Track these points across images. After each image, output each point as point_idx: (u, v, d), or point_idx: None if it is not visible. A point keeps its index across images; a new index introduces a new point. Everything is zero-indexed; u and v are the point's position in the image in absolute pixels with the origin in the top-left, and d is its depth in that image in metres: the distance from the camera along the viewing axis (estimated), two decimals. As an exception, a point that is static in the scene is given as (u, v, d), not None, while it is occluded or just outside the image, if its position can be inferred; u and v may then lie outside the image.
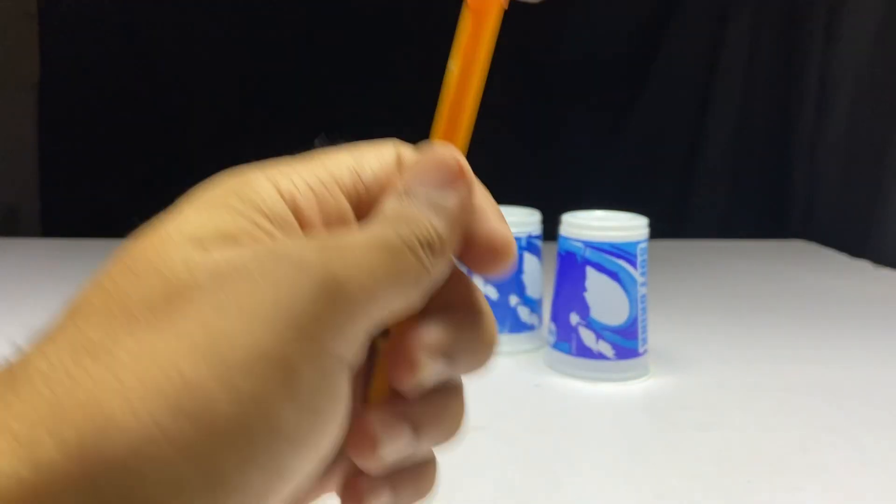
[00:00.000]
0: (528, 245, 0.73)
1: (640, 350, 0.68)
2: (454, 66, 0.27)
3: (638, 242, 0.68)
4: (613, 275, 0.66)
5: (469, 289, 0.27)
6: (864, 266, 1.16)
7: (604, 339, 0.67)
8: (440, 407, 0.27)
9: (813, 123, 1.36)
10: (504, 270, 0.26)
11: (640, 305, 0.68)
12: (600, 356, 0.67)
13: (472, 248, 0.26)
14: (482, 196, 0.27)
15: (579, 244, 0.67)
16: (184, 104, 1.34)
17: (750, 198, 1.43)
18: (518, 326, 0.73)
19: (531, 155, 1.38)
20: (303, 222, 0.24)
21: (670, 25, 1.39)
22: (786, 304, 0.97)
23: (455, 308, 0.26)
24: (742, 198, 1.43)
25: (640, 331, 0.68)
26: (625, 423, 0.60)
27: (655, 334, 0.82)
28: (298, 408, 0.20)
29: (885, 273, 1.12)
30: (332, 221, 0.25)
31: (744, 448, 0.56)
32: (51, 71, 1.34)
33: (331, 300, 0.20)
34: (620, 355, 0.67)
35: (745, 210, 1.43)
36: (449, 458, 0.52)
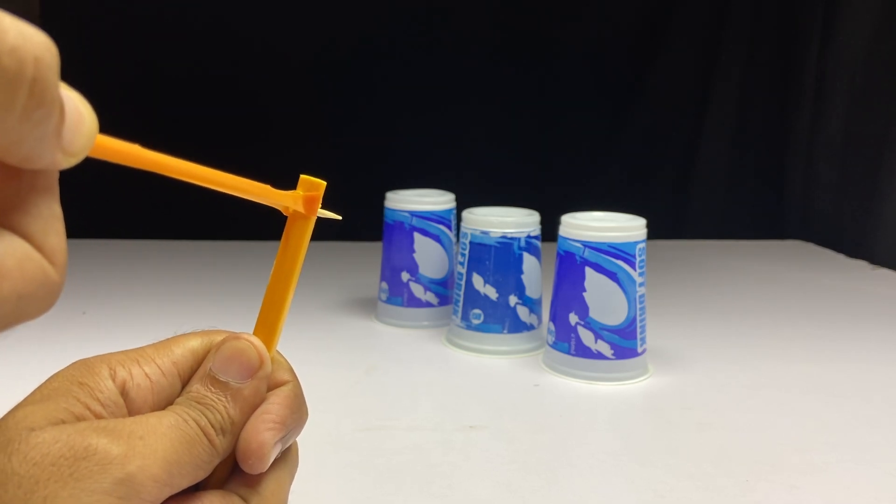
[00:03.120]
0: (528, 245, 0.74)
1: (639, 350, 0.69)
2: (275, 271, 0.31)
3: (636, 243, 0.68)
4: (612, 275, 0.67)
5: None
6: (860, 266, 1.17)
7: (602, 338, 0.67)
8: None
9: (810, 124, 1.36)
10: (252, 472, 0.30)
11: (638, 305, 0.68)
12: (599, 356, 0.67)
13: (236, 450, 0.30)
14: (276, 398, 0.31)
15: (578, 244, 0.67)
16: (185, 106, 1.34)
17: (748, 198, 1.44)
18: (517, 326, 0.74)
19: (531, 156, 1.39)
20: (130, 406, 0.29)
21: (669, 26, 1.39)
22: (783, 304, 0.97)
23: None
24: (740, 198, 1.44)
25: (638, 331, 0.69)
26: (624, 423, 0.60)
27: (654, 334, 0.83)
28: None
29: (882, 273, 1.12)
30: (161, 402, 0.30)
31: (742, 447, 0.56)
32: None
33: (124, 494, 0.25)
34: (619, 355, 0.68)
35: (743, 210, 1.44)
36: (449, 457, 0.53)
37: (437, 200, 0.83)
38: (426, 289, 0.82)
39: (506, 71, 1.37)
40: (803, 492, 0.50)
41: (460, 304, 0.76)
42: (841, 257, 1.22)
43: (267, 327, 0.32)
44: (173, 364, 0.31)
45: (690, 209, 1.43)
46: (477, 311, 0.74)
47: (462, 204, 0.82)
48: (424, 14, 1.35)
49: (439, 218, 0.82)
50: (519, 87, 1.38)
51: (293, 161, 1.37)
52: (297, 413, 0.31)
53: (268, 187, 0.30)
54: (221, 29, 1.34)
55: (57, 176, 0.23)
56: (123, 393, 0.29)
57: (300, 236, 0.31)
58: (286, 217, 0.32)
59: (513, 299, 0.73)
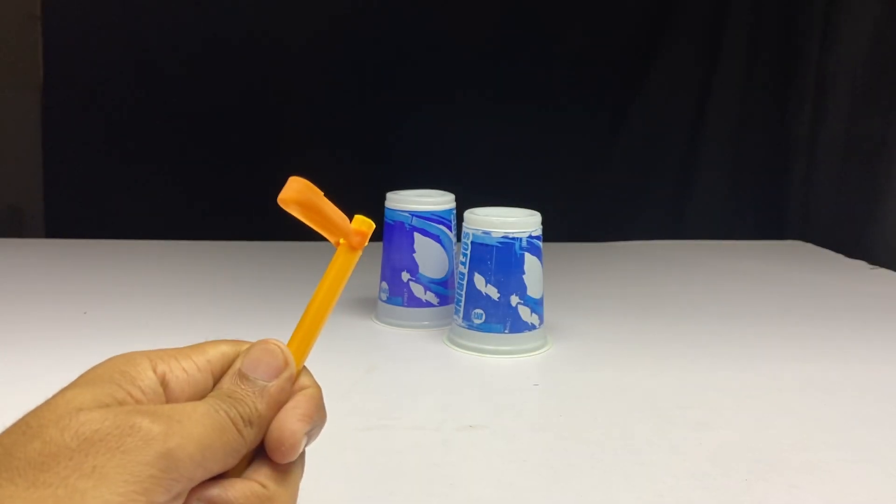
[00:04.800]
0: (529, 245, 0.74)
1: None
2: (319, 292, 0.37)
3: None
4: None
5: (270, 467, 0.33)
6: (859, 266, 1.17)
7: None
8: None
9: (810, 125, 1.37)
10: (282, 461, 0.33)
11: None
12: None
13: (269, 441, 0.33)
14: (303, 398, 0.34)
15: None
16: (186, 106, 1.34)
17: (747, 199, 1.44)
18: (519, 326, 0.74)
19: (531, 156, 1.39)
20: (169, 396, 0.32)
21: (669, 26, 1.39)
22: (783, 303, 0.98)
23: (256, 480, 0.33)
24: (739, 199, 1.44)
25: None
26: (623, 422, 0.61)
27: (654, 334, 0.83)
28: None
29: (881, 272, 1.13)
30: (196, 395, 0.33)
31: (741, 446, 0.56)
32: (54, 73, 1.34)
33: (165, 467, 0.28)
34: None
35: (743, 211, 1.44)
36: (449, 457, 0.53)
37: (437, 201, 0.83)
38: (426, 289, 0.83)
39: (506, 71, 1.37)
40: (802, 491, 0.50)
41: (462, 303, 0.76)
42: (840, 257, 1.22)
43: (300, 339, 0.36)
44: (207, 362, 0.34)
45: (690, 209, 1.44)
46: (479, 310, 0.74)
47: (462, 204, 0.82)
48: (425, 14, 1.35)
49: (439, 218, 0.82)
50: (519, 87, 1.38)
51: (294, 161, 1.38)
52: (320, 412, 0.35)
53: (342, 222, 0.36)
54: (222, 29, 1.34)
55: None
56: (163, 384, 0.32)
57: (346, 266, 0.37)
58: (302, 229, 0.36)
59: (514, 299, 0.74)
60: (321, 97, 1.36)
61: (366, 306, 0.90)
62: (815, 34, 1.34)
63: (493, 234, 0.73)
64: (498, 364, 0.73)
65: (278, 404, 0.33)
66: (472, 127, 1.36)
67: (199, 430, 0.29)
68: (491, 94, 1.38)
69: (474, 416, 0.61)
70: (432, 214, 0.82)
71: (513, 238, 0.73)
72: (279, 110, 1.36)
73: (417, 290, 0.83)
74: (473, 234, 0.74)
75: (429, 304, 0.83)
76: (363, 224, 0.37)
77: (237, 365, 0.34)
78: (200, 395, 0.33)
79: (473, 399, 0.65)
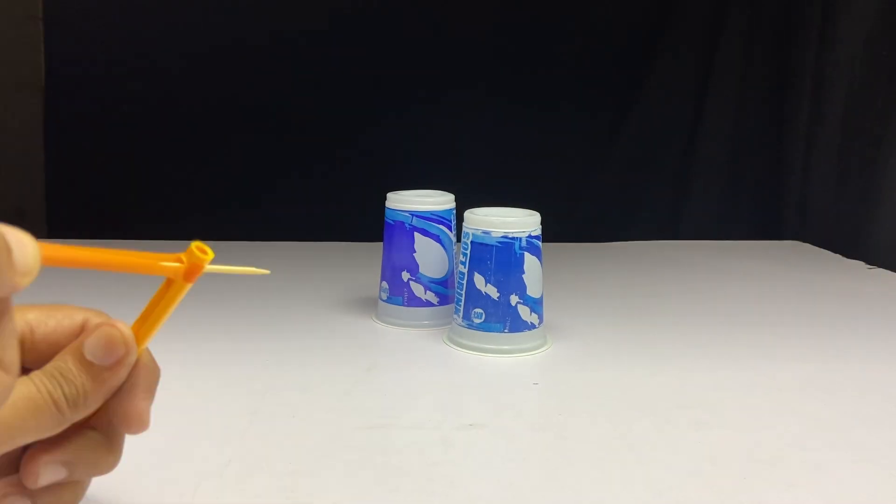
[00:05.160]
0: (529, 245, 0.74)
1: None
2: (163, 296, 0.36)
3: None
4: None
5: (109, 419, 0.35)
6: (857, 266, 1.17)
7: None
8: (57, 493, 0.35)
9: (807, 124, 1.37)
10: (135, 433, 0.35)
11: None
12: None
13: (115, 414, 0.35)
14: (144, 375, 0.35)
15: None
16: (187, 106, 1.34)
17: (745, 199, 1.45)
18: (518, 326, 0.75)
19: (530, 156, 1.39)
20: (33, 342, 0.34)
21: (667, 26, 1.40)
22: (781, 303, 0.98)
23: (95, 429, 0.35)
24: (737, 199, 1.44)
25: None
26: (623, 422, 0.61)
27: (653, 334, 0.83)
28: None
29: (879, 272, 1.13)
30: (52, 350, 0.34)
31: (739, 445, 0.57)
32: (56, 73, 1.34)
33: None
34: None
35: (741, 211, 1.44)
36: (448, 456, 0.54)
37: (437, 201, 0.83)
38: (426, 288, 0.83)
39: (506, 71, 1.38)
40: (801, 490, 0.50)
41: (462, 303, 0.76)
42: (838, 257, 1.23)
43: (146, 322, 0.36)
44: (71, 324, 0.36)
45: (688, 210, 1.44)
46: (478, 310, 0.75)
47: (462, 204, 0.82)
48: (426, 14, 1.35)
49: (439, 218, 0.83)
50: (519, 88, 1.38)
51: (294, 161, 1.38)
52: (155, 377, 0.36)
53: (153, 262, 0.34)
54: (222, 29, 1.34)
55: (11, 299, 0.28)
56: (31, 331, 0.34)
57: (174, 297, 0.35)
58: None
59: (514, 298, 0.74)
60: (321, 97, 1.37)
61: (366, 306, 0.91)
62: (813, 36, 1.34)
63: (493, 234, 0.73)
64: (498, 363, 0.73)
65: (112, 389, 0.34)
66: (472, 127, 1.36)
67: (9, 412, 0.30)
68: (491, 94, 1.38)
69: (474, 416, 0.61)
70: (432, 214, 0.82)
71: (512, 238, 0.73)
72: (279, 110, 1.36)
73: (417, 289, 0.83)
74: (473, 234, 0.75)
75: (429, 304, 0.83)
76: (196, 257, 0.35)
77: (79, 342, 0.34)
78: (55, 352, 0.34)
79: (473, 398, 0.65)
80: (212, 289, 0.97)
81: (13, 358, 0.28)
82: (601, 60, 1.39)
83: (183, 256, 0.35)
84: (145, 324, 0.36)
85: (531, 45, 1.37)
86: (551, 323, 0.83)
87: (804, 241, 1.35)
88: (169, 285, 0.35)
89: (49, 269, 0.30)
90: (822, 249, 1.28)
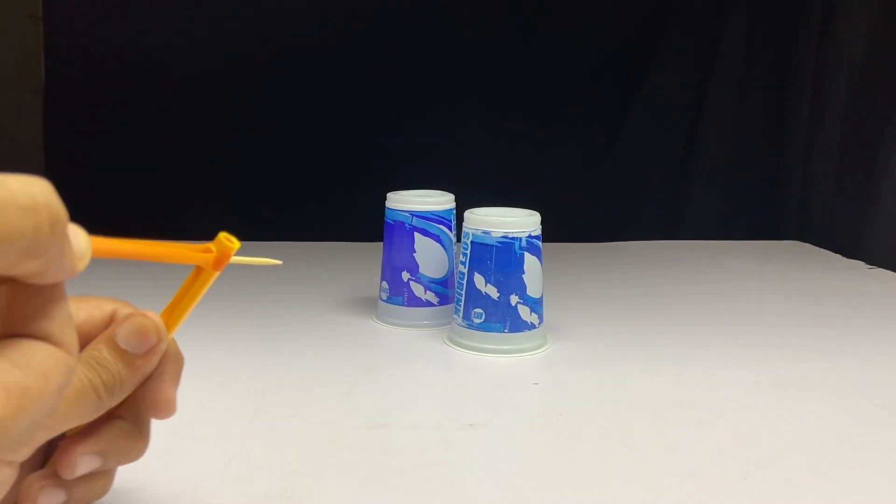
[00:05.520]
0: (528, 245, 0.74)
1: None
2: (192, 284, 0.38)
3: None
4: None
5: (137, 407, 0.37)
6: (857, 266, 1.17)
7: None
8: (90, 483, 0.36)
9: (807, 124, 1.37)
10: (163, 419, 0.37)
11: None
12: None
13: (143, 401, 0.36)
14: (171, 363, 0.37)
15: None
16: (189, 107, 1.34)
17: (745, 199, 1.45)
18: (518, 326, 0.75)
19: (530, 156, 1.39)
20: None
21: (667, 26, 1.40)
22: (781, 303, 0.98)
23: (123, 418, 0.36)
24: (737, 199, 1.44)
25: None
26: (623, 421, 0.61)
27: (653, 334, 0.83)
28: None
29: (879, 272, 1.13)
30: (82, 340, 0.33)
31: (739, 445, 0.57)
32: (56, 73, 1.34)
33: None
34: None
35: (741, 211, 1.44)
36: (448, 456, 0.54)
37: (437, 201, 0.83)
38: (426, 288, 0.83)
39: (505, 71, 1.38)
40: (801, 490, 0.50)
41: (462, 303, 0.76)
42: (838, 257, 1.23)
43: (175, 311, 0.37)
44: (101, 315, 0.37)
45: (688, 209, 1.44)
46: (478, 310, 0.75)
47: (462, 204, 0.82)
48: (426, 15, 1.35)
49: (439, 218, 0.83)
50: (519, 88, 1.38)
51: (294, 161, 1.38)
52: (180, 364, 0.38)
53: (185, 252, 0.36)
54: (222, 30, 1.34)
55: (65, 285, 0.29)
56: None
57: (202, 286, 0.38)
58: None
59: (514, 298, 0.74)
60: (321, 97, 1.37)
61: (366, 306, 0.91)
62: (813, 36, 1.34)
63: (493, 234, 0.73)
64: (498, 363, 0.73)
65: (144, 376, 0.35)
66: (472, 127, 1.36)
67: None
68: (491, 94, 1.38)
69: (474, 415, 0.61)
70: (432, 214, 0.82)
71: (512, 238, 0.73)
72: (280, 111, 1.36)
73: (417, 289, 0.83)
74: (473, 234, 0.75)
75: (429, 304, 0.83)
76: (225, 246, 0.37)
77: (113, 329, 0.35)
78: (86, 342, 0.35)
79: (473, 398, 0.65)
80: (212, 289, 0.97)
81: (74, 340, 0.28)
82: (602, 60, 1.39)
83: (212, 246, 0.37)
84: (174, 312, 0.37)
85: (531, 45, 1.37)
86: (551, 323, 0.83)
87: (804, 241, 1.35)
88: (198, 274, 0.37)
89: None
90: (822, 249, 1.29)
